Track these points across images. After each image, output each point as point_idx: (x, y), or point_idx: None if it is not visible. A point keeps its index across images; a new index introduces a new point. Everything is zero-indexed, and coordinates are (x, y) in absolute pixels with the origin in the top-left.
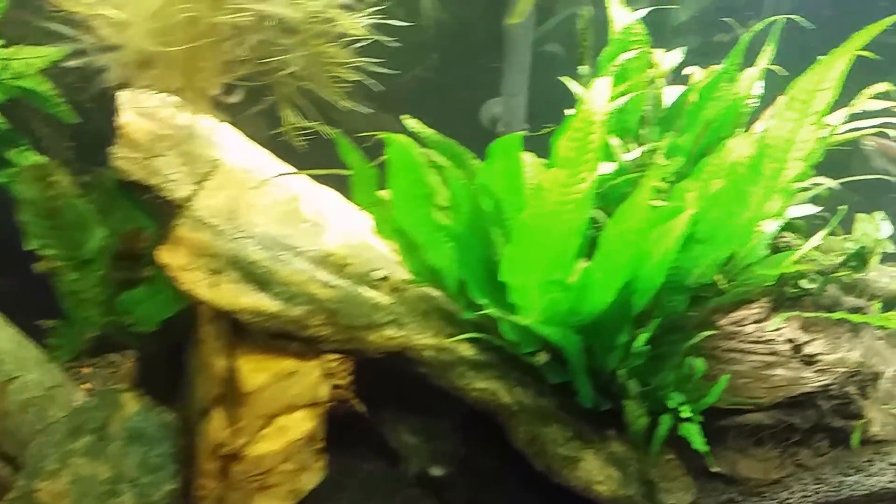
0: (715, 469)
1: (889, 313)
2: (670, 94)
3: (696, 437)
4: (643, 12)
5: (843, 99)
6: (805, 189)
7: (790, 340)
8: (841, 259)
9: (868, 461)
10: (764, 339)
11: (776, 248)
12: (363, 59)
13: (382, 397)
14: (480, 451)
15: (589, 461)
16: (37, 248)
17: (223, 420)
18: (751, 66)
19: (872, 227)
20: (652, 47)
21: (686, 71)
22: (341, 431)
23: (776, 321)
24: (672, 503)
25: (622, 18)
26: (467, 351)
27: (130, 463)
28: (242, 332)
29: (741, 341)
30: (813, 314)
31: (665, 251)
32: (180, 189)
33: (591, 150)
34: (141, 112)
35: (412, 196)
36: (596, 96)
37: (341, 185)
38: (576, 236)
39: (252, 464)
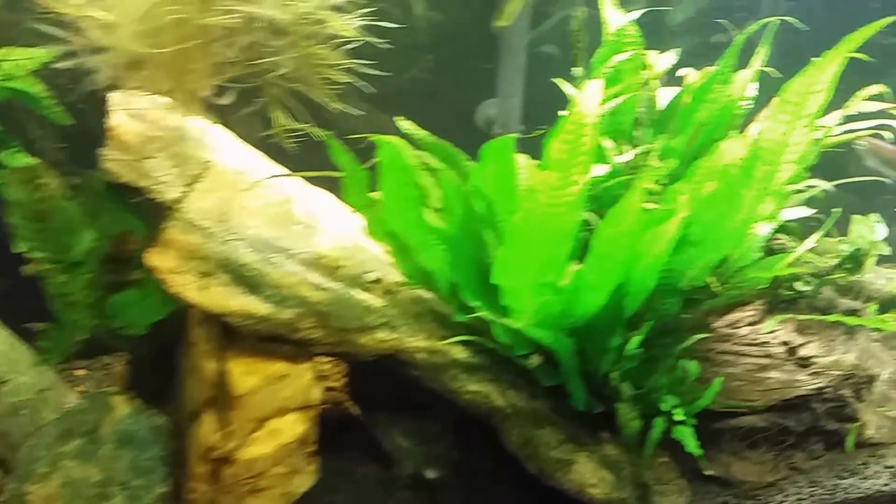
0: (709, 472)
1: (884, 315)
2: (664, 96)
3: (689, 439)
4: (636, 14)
5: (837, 101)
6: (799, 191)
7: (785, 343)
8: (836, 261)
9: (863, 464)
10: (758, 341)
11: (771, 251)
12: (359, 61)
13: (376, 400)
14: (474, 453)
15: (582, 464)
16: (25, 250)
17: (214, 423)
18: (745, 67)
19: (867, 230)
20: (649, 48)
21: (680, 72)
22: (335, 434)
23: (770, 323)
24: None
25: (615, 20)
26: (460, 353)
27: (121, 466)
28: (233, 335)
29: (735, 344)
30: (808, 316)
31: (657, 254)
32: (171, 191)
33: (582, 153)
34: (131, 114)
35: (403, 198)
36: (587, 99)
37: (336, 187)
38: (568, 239)
39: (243, 467)
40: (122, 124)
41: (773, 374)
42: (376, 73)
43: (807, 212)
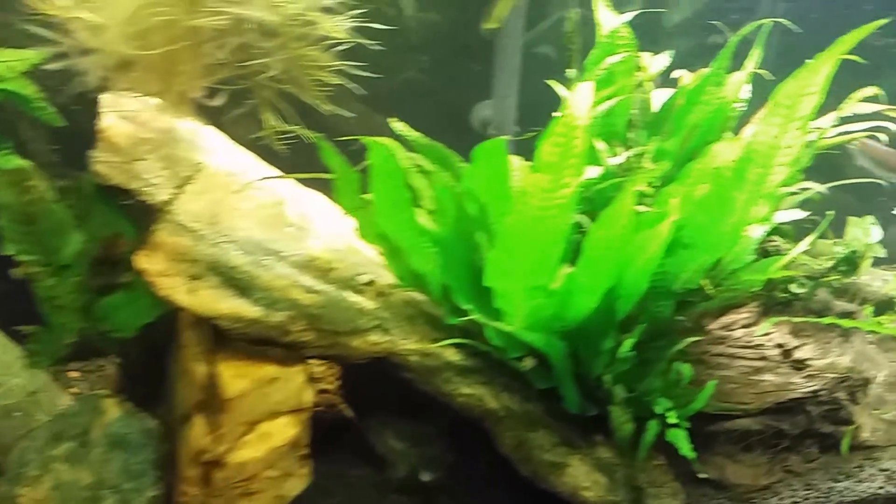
0: (703, 475)
1: (880, 318)
2: (658, 98)
3: (682, 442)
4: (630, 15)
5: (832, 103)
6: (794, 193)
7: (779, 345)
8: (831, 263)
9: (858, 467)
10: (753, 343)
11: (765, 253)
12: (353, 62)
13: (370, 402)
14: (468, 456)
15: (576, 467)
16: (13, 253)
17: (204, 426)
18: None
19: (863, 232)
20: (645, 50)
21: (675, 74)
22: (328, 437)
23: (765, 326)
24: None
25: (609, 22)
26: (453, 356)
27: (112, 469)
28: (223, 338)
29: (730, 346)
30: (802, 319)
31: (650, 256)
32: (161, 193)
33: (574, 156)
34: (122, 115)
35: (395, 200)
36: (578, 101)
37: (329, 189)
38: (559, 241)
39: (234, 470)
40: (112, 126)
41: (768, 376)
42: (370, 74)
43: (801, 214)
